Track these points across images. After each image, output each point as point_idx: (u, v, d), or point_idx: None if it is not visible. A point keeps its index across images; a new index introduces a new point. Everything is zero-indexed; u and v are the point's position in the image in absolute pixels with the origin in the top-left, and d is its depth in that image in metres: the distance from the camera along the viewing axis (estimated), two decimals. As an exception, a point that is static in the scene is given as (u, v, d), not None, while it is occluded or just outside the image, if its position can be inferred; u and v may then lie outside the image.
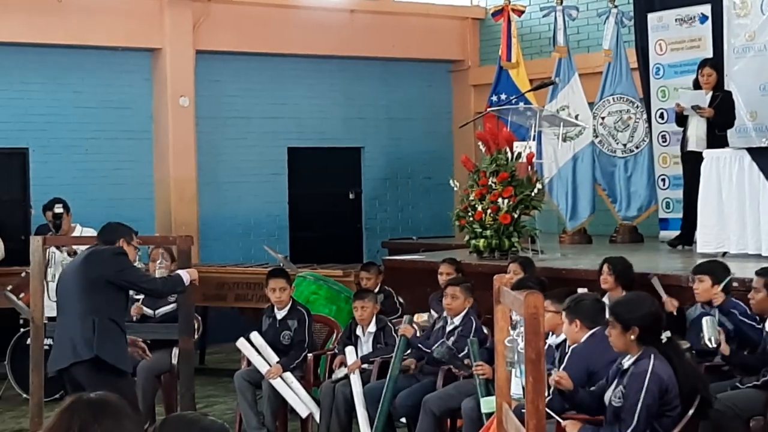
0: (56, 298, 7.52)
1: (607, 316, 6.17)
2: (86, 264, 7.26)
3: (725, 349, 7.12)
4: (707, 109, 11.22)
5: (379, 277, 10.49)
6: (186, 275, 7.64)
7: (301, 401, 8.88)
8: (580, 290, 7.99)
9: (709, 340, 7.02)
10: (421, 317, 9.55)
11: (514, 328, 4.54)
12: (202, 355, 12.62)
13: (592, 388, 6.19)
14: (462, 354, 8.09)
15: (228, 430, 3.45)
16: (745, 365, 7.16)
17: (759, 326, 7.33)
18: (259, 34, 14.69)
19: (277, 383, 8.84)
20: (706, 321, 7.12)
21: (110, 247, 7.33)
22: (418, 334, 9.00)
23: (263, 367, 8.92)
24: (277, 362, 8.92)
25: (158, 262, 8.76)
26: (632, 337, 5.85)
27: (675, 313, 7.78)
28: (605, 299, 7.79)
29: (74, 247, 9.96)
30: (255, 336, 9.11)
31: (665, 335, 5.89)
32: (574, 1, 14.24)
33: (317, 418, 8.80)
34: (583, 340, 6.63)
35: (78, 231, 10.73)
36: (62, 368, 7.21)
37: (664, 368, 5.75)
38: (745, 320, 7.44)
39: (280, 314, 9.26)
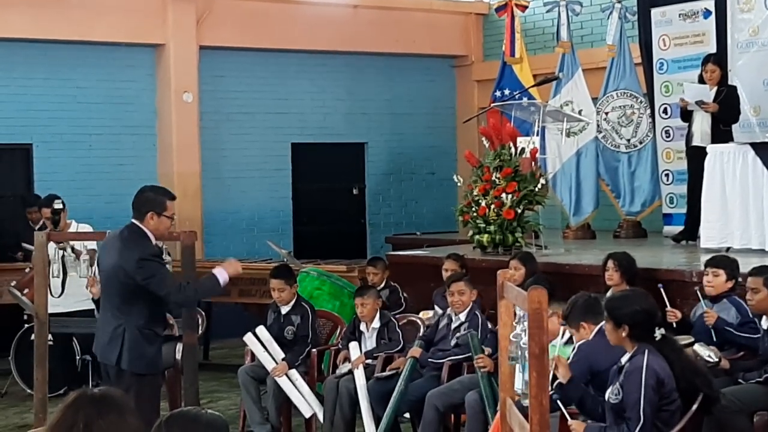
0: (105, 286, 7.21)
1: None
2: (119, 260, 6.84)
3: (725, 364, 7.11)
4: (711, 104, 11.20)
5: (386, 272, 10.51)
6: (223, 274, 7.00)
7: (305, 400, 8.88)
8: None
9: (709, 357, 7.01)
10: (426, 314, 9.55)
11: (518, 323, 4.55)
12: (206, 350, 12.64)
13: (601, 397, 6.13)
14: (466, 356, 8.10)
15: (227, 425, 3.47)
16: (747, 371, 7.15)
17: (755, 335, 7.32)
18: (262, 29, 14.69)
19: (283, 381, 8.85)
20: (697, 347, 7.08)
21: (138, 249, 6.78)
22: (421, 331, 9.05)
23: (269, 364, 8.94)
24: (282, 359, 8.94)
25: None
26: (623, 333, 5.85)
27: (675, 325, 7.73)
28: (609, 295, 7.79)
29: (73, 243, 9.90)
30: (261, 330, 9.14)
31: (659, 333, 5.88)
32: (577, -4, 14.24)
33: (321, 418, 8.81)
34: (591, 336, 6.62)
35: (74, 227, 10.70)
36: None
37: (658, 362, 5.74)
38: (741, 334, 7.44)
39: (284, 309, 9.29)
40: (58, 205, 10.47)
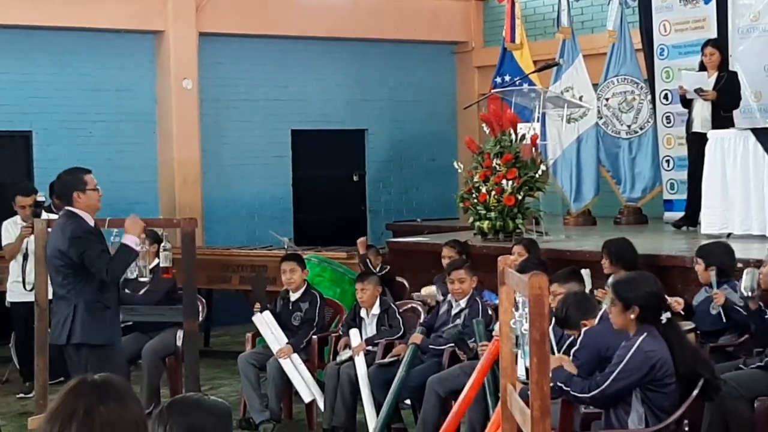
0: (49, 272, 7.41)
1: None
2: (56, 243, 7.13)
3: (753, 304, 7.14)
4: (710, 92, 11.18)
5: (378, 259, 10.61)
6: (131, 239, 7.10)
7: (306, 385, 8.90)
8: (584, 271, 8.03)
9: (745, 288, 7.06)
10: (428, 289, 9.52)
11: (516, 308, 4.54)
12: (207, 337, 12.64)
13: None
14: (471, 340, 8.08)
15: (230, 411, 3.47)
16: (760, 325, 7.17)
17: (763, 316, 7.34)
18: (262, 16, 14.66)
19: (286, 364, 8.86)
20: (747, 272, 7.14)
21: (70, 229, 7.05)
22: (422, 317, 9.05)
23: (275, 345, 8.97)
24: (287, 343, 8.97)
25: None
26: (632, 316, 5.85)
27: (683, 312, 7.74)
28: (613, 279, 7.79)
29: None
30: (267, 315, 9.18)
31: (665, 316, 5.89)
32: (578, -19, 14.22)
33: (320, 404, 8.82)
34: (596, 322, 6.64)
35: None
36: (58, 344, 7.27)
37: (654, 345, 5.76)
38: (737, 308, 7.45)
39: (293, 296, 9.35)
40: (40, 198, 10.44)
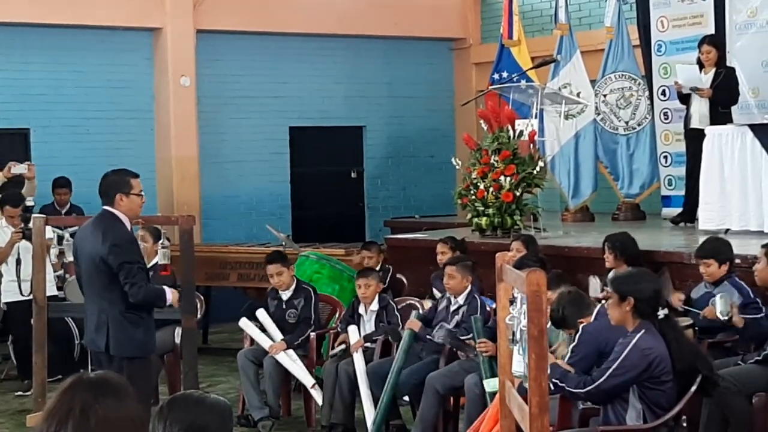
0: (79, 272, 7.30)
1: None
2: (96, 247, 6.92)
3: (739, 321, 7.14)
4: (706, 90, 11.18)
5: (381, 256, 10.55)
6: (171, 295, 7.15)
7: (306, 372, 8.90)
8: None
9: (720, 313, 7.06)
10: (426, 304, 9.53)
11: (512, 303, 4.54)
12: (205, 334, 12.63)
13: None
14: (468, 337, 8.07)
15: (231, 408, 3.47)
16: (760, 334, 7.15)
17: (758, 315, 7.33)
18: (260, 12, 14.65)
19: (281, 357, 8.86)
20: (717, 298, 7.16)
21: (112, 235, 6.87)
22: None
23: (266, 343, 8.95)
24: (282, 339, 8.96)
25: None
26: (627, 308, 5.85)
27: (680, 308, 7.73)
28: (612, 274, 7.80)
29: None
30: (261, 313, 9.17)
31: (663, 312, 5.89)
32: (575, -22, 14.20)
33: (318, 399, 8.81)
34: (592, 318, 6.64)
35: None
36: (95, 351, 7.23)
37: (652, 342, 5.76)
38: (745, 317, 7.41)
39: (285, 295, 9.31)
40: (29, 203, 10.42)
